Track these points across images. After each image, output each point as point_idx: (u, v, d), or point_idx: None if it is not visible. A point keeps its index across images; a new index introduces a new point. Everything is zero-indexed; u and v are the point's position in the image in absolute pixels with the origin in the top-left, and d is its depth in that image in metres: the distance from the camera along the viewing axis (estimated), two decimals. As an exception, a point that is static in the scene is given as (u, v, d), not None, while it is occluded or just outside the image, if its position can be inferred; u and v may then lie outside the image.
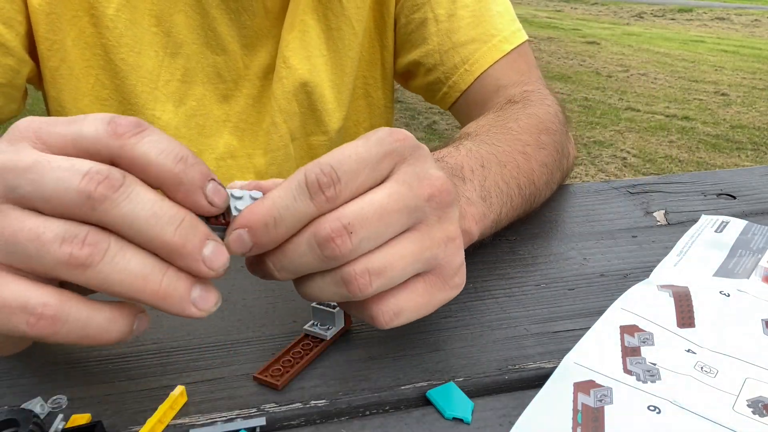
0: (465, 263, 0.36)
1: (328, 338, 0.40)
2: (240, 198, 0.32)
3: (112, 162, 0.29)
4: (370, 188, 0.32)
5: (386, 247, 0.32)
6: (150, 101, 0.65)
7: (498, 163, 0.49)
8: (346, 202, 0.31)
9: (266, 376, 0.37)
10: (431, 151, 0.47)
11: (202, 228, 0.29)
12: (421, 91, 0.76)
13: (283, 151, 0.71)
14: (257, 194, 0.32)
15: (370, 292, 0.31)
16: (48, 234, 0.27)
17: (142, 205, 0.28)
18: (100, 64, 0.63)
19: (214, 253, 0.29)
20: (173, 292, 0.29)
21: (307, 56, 0.69)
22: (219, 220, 0.31)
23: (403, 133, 0.34)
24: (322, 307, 0.40)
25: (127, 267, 0.28)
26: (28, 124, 0.29)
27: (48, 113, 0.66)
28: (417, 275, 0.34)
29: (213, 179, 0.30)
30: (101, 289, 0.28)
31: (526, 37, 0.72)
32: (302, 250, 0.31)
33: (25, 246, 0.27)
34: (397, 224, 0.32)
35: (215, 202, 0.30)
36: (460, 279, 0.35)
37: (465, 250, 0.37)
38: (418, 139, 0.35)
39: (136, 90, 0.64)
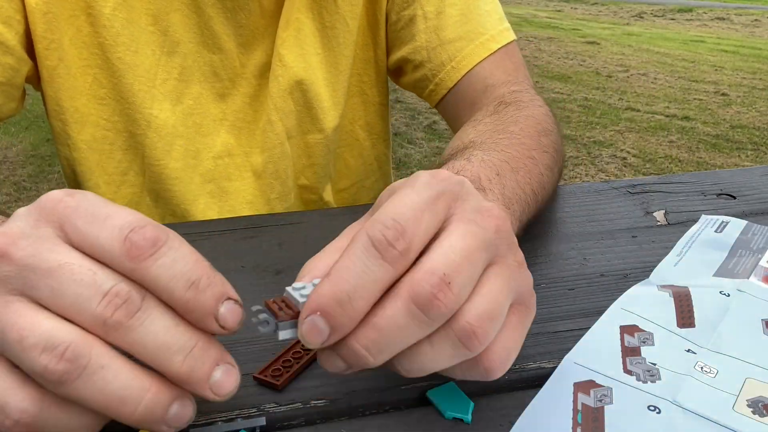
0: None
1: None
2: (302, 288, 0.30)
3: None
4: (434, 234, 0.30)
5: (480, 289, 0.30)
6: (147, 100, 0.65)
7: (511, 170, 0.48)
8: (418, 254, 0.29)
9: (266, 376, 0.37)
10: (441, 157, 0.48)
11: (213, 353, 0.29)
12: (410, 87, 0.76)
13: (279, 149, 0.71)
14: (318, 281, 0.29)
15: (488, 340, 0.30)
16: (31, 340, 0.27)
17: (154, 334, 0.27)
18: (97, 63, 0.63)
19: (221, 380, 0.29)
20: (148, 416, 0.28)
21: (302, 54, 0.69)
22: (287, 314, 0.30)
23: (444, 172, 0.33)
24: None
25: (106, 387, 0.27)
26: (54, 205, 0.29)
27: (46, 112, 0.66)
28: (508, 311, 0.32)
29: (229, 298, 0.29)
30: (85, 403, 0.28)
31: (513, 37, 0.73)
32: (401, 320, 0.28)
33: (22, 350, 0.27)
34: (481, 262, 0.30)
35: (227, 325, 0.29)
36: (535, 298, 0.34)
37: None
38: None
39: (134, 89, 0.64)
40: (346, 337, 0.29)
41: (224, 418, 0.34)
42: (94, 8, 0.61)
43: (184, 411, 0.29)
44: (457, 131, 0.62)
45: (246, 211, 0.71)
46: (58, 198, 0.29)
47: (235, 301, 0.29)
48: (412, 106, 4.18)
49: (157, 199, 0.70)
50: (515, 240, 0.34)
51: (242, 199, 0.72)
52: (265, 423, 0.34)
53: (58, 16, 0.61)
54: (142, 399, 0.28)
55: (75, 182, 0.69)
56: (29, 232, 0.28)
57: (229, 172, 0.70)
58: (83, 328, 0.27)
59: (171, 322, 0.28)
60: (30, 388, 0.28)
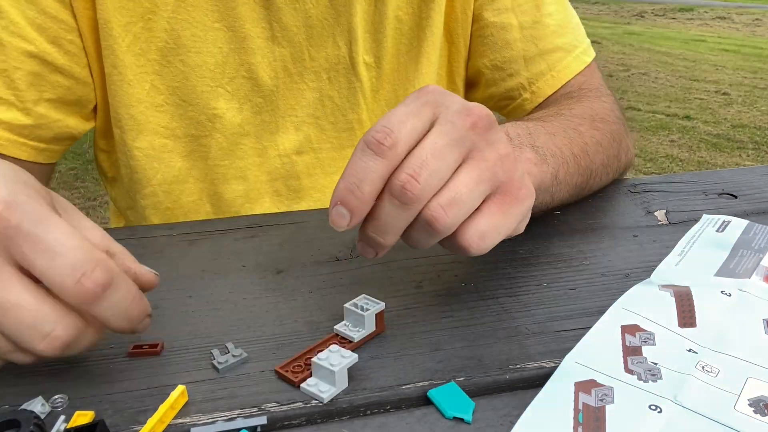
0: (527, 176, 0.40)
1: (355, 340, 0.40)
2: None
3: None
4: (420, 136, 0.36)
5: (449, 181, 0.36)
6: (212, 100, 0.63)
7: (546, 133, 0.51)
8: (407, 149, 0.36)
9: (287, 372, 0.37)
10: None
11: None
12: (492, 99, 0.74)
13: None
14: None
15: (450, 223, 0.36)
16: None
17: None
18: (155, 69, 0.62)
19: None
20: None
21: (385, 47, 0.67)
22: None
23: (432, 86, 0.39)
24: (353, 308, 0.40)
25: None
26: (2, 211, 0.32)
27: (104, 121, 0.65)
28: (487, 199, 0.38)
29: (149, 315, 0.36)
30: None
31: (594, 54, 0.74)
32: (388, 208, 0.36)
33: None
34: (451, 157, 0.36)
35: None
36: (526, 190, 0.39)
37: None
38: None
39: (197, 90, 0.63)
40: (363, 227, 0.38)
41: (225, 418, 0.34)
42: (155, 13, 0.60)
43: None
44: None
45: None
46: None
47: (149, 314, 0.37)
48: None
49: (219, 202, 0.68)
50: (498, 136, 0.38)
51: (309, 197, 0.70)
52: (266, 422, 0.34)
53: (111, 23, 0.59)
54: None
55: (132, 190, 0.67)
56: None
57: (297, 169, 0.69)
58: None
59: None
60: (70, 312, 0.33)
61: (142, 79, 0.62)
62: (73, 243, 0.32)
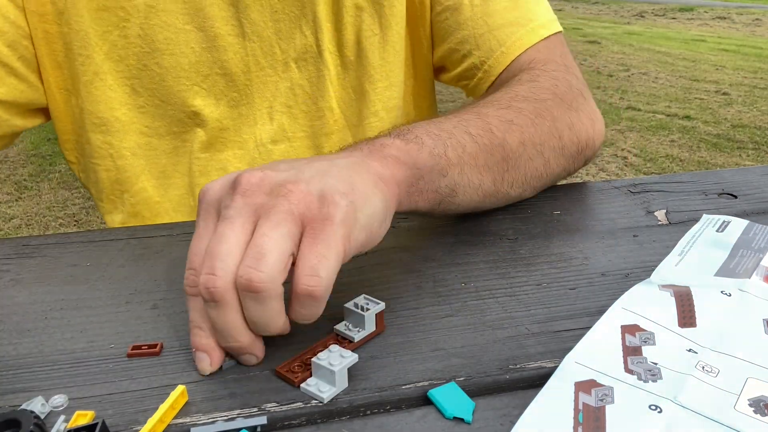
0: (341, 182, 0.38)
1: (355, 340, 0.40)
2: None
3: None
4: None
5: (249, 244, 0.36)
6: (189, 98, 0.65)
7: (431, 123, 0.50)
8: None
9: (287, 372, 0.37)
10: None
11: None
12: (455, 81, 0.74)
13: (338, 135, 0.71)
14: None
15: (267, 276, 0.34)
16: None
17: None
18: (133, 73, 0.64)
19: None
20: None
21: (357, 35, 0.68)
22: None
23: (203, 189, 0.40)
24: (353, 308, 0.40)
25: None
26: None
27: (84, 126, 0.66)
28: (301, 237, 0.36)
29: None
30: None
31: (560, 28, 0.71)
32: (212, 316, 0.37)
33: None
34: (236, 232, 0.36)
35: None
36: (331, 207, 0.36)
37: (423, 187, 0.45)
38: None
39: (174, 90, 0.65)
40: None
41: (225, 418, 0.34)
42: (128, 21, 0.62)
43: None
44: None
45: None
46: None
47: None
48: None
49: None
50: (276, 180, 0.37)
51: None
52: (266, 422, 0.34)
53: (89, 34, 0.62)
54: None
55: (119, 191, 0.69)
56: None
57: (274, 158, 0.70)
58: None
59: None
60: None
61: (123, 83, 0.64)
62: None
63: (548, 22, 0.70)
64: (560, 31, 0.71)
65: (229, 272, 0.35)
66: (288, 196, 0.36)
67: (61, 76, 0.64)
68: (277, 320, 0.36)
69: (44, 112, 0.68)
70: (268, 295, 0.35)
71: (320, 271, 0.35)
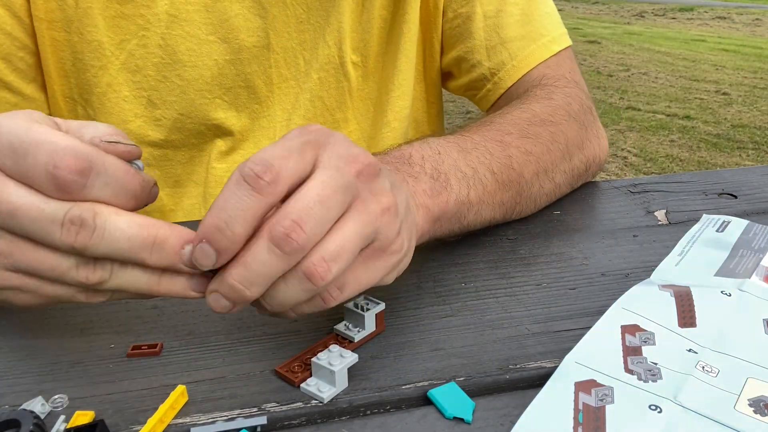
0: (410, 231, 0.39)
1: (355, 340, 0.40)
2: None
3: None
4: (302, 177, 0.33)
5: (333, 232, 0.33)
6: (211, 111, 0.64)
7: (460, 150, 0.50)
8: (287, 189, 0.32)
9: (287, 372, 0.37)
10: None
11: (173, 241, 0.33)
12: (462, 90, 0.74)
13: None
14: None
15: (331, 279, 0.32)
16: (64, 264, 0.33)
17: (118, 240, 0.32)
18: (151, 84, 0.62)
19: (196, 256, 0.32)
20: (174, 290, 0.35)
21: (366, 43, 0.68)
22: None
23: (315, 125, 0.36)
24: (353, 309, 0.40)
25: (130, 282, 0.34)
26: None
27: None
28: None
29: (155, 185, 0.35)
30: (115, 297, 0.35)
31: (570, 42, 0.72)
32: (263, 255, 0.32)
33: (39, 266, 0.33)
34: (337, 206, 0.33)
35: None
36: (398, 246, 0.36)
37: (438, 232, 0.45)
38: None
39: (195, 103, 0.63)
40: (223, 274, 0.33)
41: (225, 418, 0.34)
42: (148, 30, 0.60)
43: (202, 279, 0.34)
44: None
45: None
46: None
47: (155, 183, 0.35)
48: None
49: None
50: (382, 185, 0.35)
51: None
52: (266, 422, 0.34)
53: (104, 44, 0.60)
54: (159, 282, 0.34)
55: None
56: None
57: None
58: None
59: (129, 222, 0.32)
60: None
61: (139, 95, 0.62)
62: (44, 139, 0.31)
63: (559, 37, 0.70)
64: (570, 46, 0.72)
65: (313, 242, 0.32)
66: (385, 213, 0.35)
67: (67, 84, 0.62)
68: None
69: None
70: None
71: (345, 293, 0.35)
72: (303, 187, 0.33)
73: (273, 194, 0.32)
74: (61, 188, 0.31)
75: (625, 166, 3.35)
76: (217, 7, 0.60)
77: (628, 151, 3.55)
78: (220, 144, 0.66)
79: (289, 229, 0.31)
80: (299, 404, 0.35)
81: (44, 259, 0.32)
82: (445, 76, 0.75)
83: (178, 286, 0.34)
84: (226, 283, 0.32)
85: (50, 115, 0.64)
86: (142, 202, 0.34)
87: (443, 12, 0.71)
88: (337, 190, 0.33)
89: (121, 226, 0.32)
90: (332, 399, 0.36)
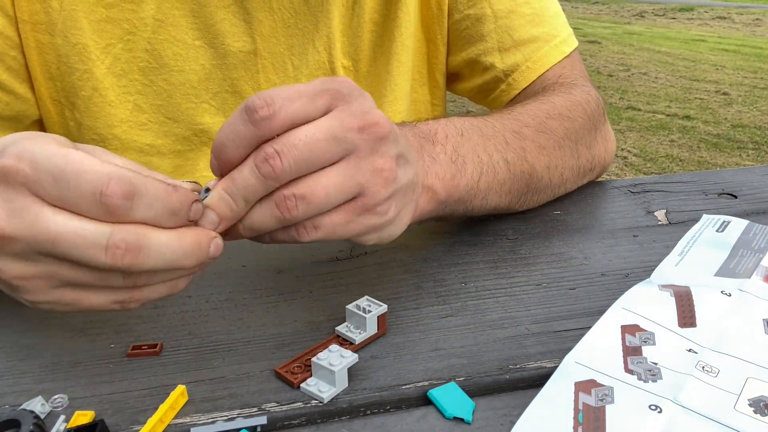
0: (405, 204, 0.39)
1: (356, 342, 0.40)
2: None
3: None
4: (307, 120, 0.35)
5: (315, 175, 0.35)
6: (197, 116, 0.63)
7: (481, 135, 0.50)
8: (284, 129, 0.34)
9: (286, 372, 0.37)
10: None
11: (203, 242, 0.34)
12: (472, 92, 0.74)
13: None
14: None
15: (297, 216, 0.34)
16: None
17: (163, 255, 0.33)
18: (137, 89, 0.61)
19: (215, 249, 0.35)
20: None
21: (357, 47, 0.67)
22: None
23: (347, 79, 0.37)
24: (355, 310, 0.40)
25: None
26: (11, 176, 0.32)
27: (82, 141, 0.64)
28: (345, 201, 0.36)
29: (196, 200, 0.35)
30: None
31: (577, 43, 0.72)
32: (245, 173, 0.34)
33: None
34: (326, 153, 0.34)
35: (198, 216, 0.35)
36: (384, 209, 0.37)
37: (441, 213, 0.45)
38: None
39: (181, 107, 0.63)
40: (217, 185, 0.35)
41: (225, 418, 0.34)
42: (134, 34, 0.59)
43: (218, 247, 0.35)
44: None
45: None
46: (11, 169, 0.32)
47: (197, 200, 0.35)
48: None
49: None
50: (386, 149, 0.36)
51: None
52: (266, 422, 0.34)
53: (89, 47, 0.59)
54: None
55: None
56: (7, 206, 0.32)
57: None
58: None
59: (170, 239, 0.33)
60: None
61: (125, 99, 0.62)
62: (87, 168, 0.32)
63: (568, 37, 0.71)
64: (577, 47, 0.72)
65: (288, 175, 0.34)
66: (377, 174, 0.36)
67: (54, 87, 0.61)
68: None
69: (39, 124, 0.65)
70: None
71: (318, 233, 0.36)
72: (301, 127, 0.34)
73: (266, 128, 0.34)
74: (109, 213, 0.32)
75: (625, 166, 3.35)
76: (203, 12, 0.60)
77: (628, 151, 3.55)
78: (207, 152, 0.65)
79: (269, 156, 0.34)
80: (299, 404, 0.35)
81: (87, 276, 0.33)
82: (452, 77, 0.75)
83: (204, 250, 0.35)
84: (217, 191, 0.35)
85: (40, 116, 0.64)
86: (183, 218, 0.34)
87: (449, 13, 0.70)
88: (329, 138, 0.34)
89: (164, 241, 0.33)
90: (332, 399, 0.36)
